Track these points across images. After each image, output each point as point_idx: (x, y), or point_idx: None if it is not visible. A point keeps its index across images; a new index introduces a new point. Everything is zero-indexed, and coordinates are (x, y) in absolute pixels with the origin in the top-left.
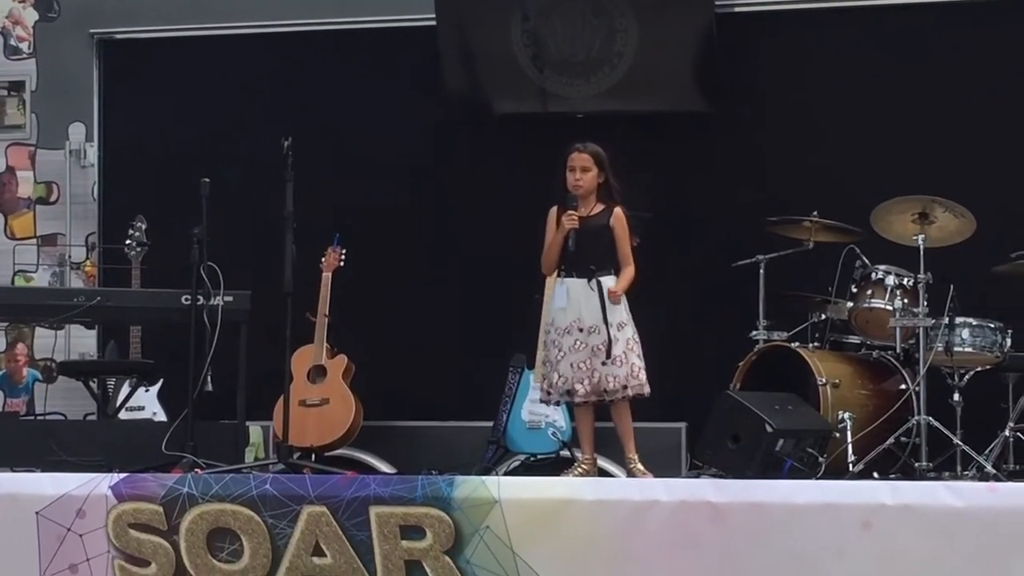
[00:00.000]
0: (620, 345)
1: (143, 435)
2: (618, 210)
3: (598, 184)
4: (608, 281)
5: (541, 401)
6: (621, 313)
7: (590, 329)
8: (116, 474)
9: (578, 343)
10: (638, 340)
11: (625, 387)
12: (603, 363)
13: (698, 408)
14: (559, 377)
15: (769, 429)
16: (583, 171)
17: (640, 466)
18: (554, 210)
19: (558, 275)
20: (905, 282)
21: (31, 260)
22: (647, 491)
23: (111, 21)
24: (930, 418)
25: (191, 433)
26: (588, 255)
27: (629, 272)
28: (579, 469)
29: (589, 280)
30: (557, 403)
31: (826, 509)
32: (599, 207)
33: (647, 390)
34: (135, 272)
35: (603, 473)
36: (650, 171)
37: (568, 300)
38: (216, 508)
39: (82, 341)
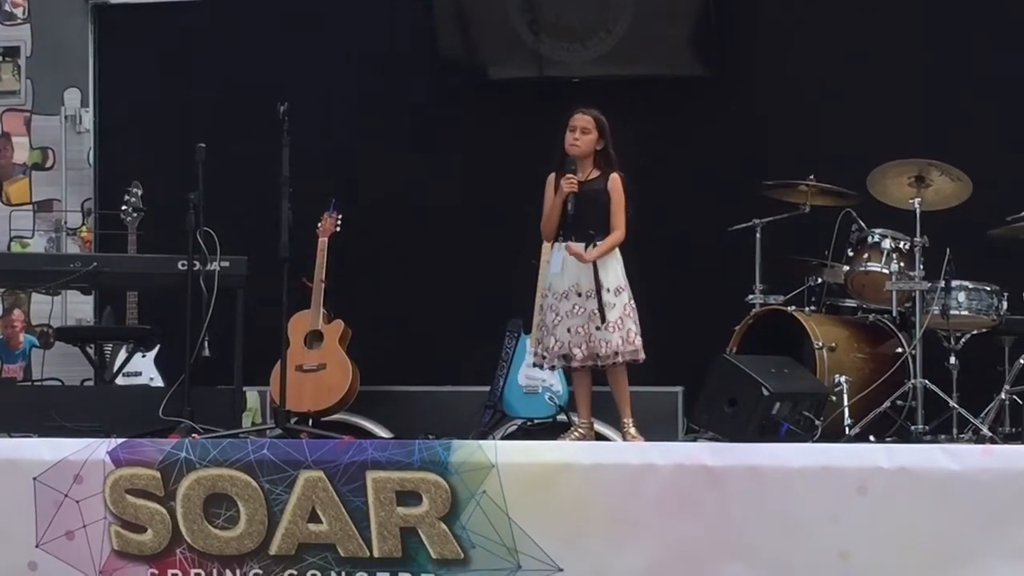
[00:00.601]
0: (616, 311)
1: (140, 400)
2: (615, 175)
3: (596, 151)
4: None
5: (535, 365)
6: (618, 278)
7: (587, 294)
8: (114, 439)
9: (576, 307)
10: (635, 306)
11: (617, 353)
12: (597, 328)
13: (694, 372)
14: (555, 342)
15: (765, 393)
16: (583, 132)
17: (633, 431)
18: (552, 176)
19: (556, 240)
20: (901, 246)
21: (27, 226)
22: (644, 455)
23: None
24: (926, 381)
25: (188, 398)
26: (586, 220)
27: (614, 236)
28: (576, 433)
29: (587, 245)
30: (552, 367)
31: (822, 472)
32: (596, 172)
33: (641, 356)
34: (131, 238)
35: (600, 438)
36: (645, 137)
37: (565, 265)
38: (213, 473)
39: (79, 307)
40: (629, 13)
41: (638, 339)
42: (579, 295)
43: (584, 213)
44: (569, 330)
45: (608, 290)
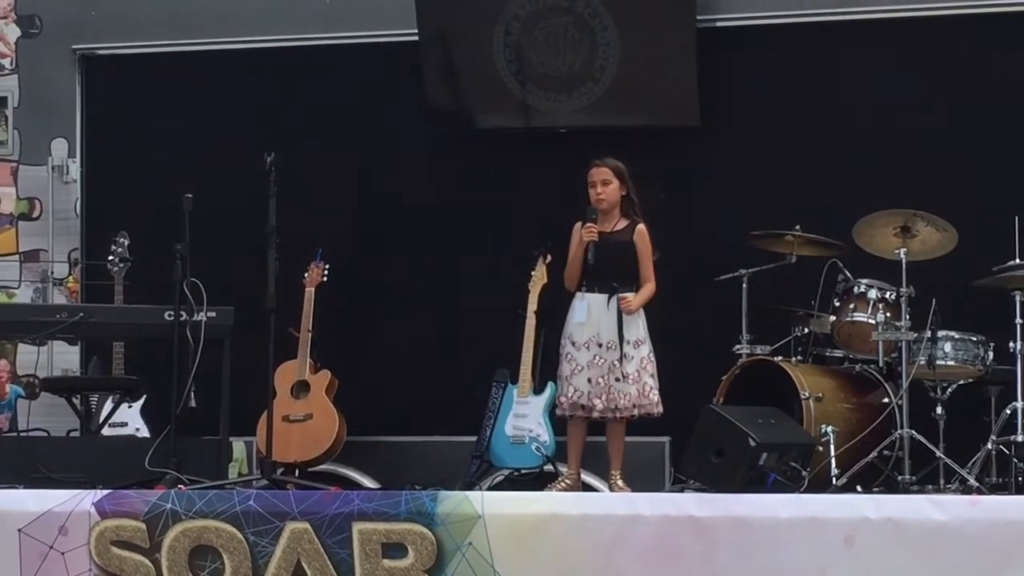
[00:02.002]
0: (634, 363)
1: (126, 451)
2: (641, 226)
3: (621, 197)
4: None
5: (557, 414)
6: (639, 330)
7: (608, 345)
8: (99, 490)
9: (597, 358)
10: (653, 359)
11: (635, 406)
12: (616, 380)
13: (681, 422)
14: (574, 391)
15: (752, 443)
16: (604, 184)
17: (620, 482)
18: (578, 226)
19: (579, 290)
20: (887, 296)
21: (13, 276)
22: (631, 505)
23: (94, 37)
24: (913, 431)
25: (174, 449)
26: (610, 271)
27: (649, 288)
28: (562, 484)
29: (610, 296)
30: (571, 417)
31: (809, 523)
32: (622, 223)
33: (656, 411)
34: (118, 288)
35: (587, 488)
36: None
37: (588, 315)
38: (199, 525)
39: (65, 357)
40: (615, 63)
41: (654, 393)
42: (600, 345)
43: (607, 264)
44: (590, 380)
45: (628, 342)
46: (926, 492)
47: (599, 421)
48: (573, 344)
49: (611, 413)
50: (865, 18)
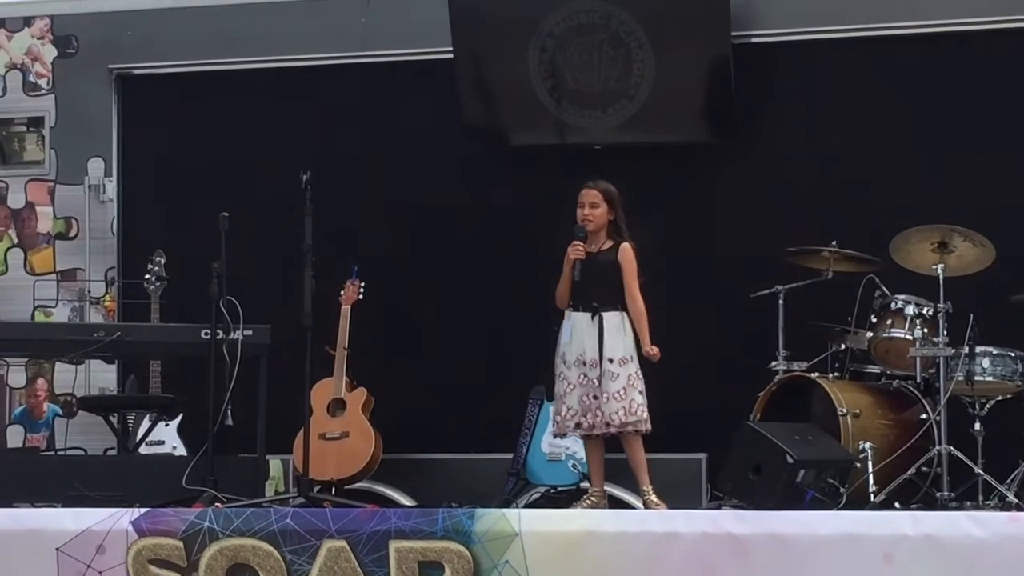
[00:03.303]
0: (621, 380)
1: (163, 469)
2: (625, 245)
3: (608, 221)
4: (612, 317)
5: (554, 435)
6: (626, 348)
7: (591, 363)
8: (136, 509)
9: (582, 377)
10: (641, 376)
11: (624, 423)
12: (600, 397)
13: (718, 439)
14: (567, 410)
15: (790, 460)
16: (591, 207)
17: (654, 497)
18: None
19: (567, 308)
20: (925, 311)
21: (51, 295)
22: (668, 523)
23: (129, 56)
24: (951, 448)
25: (211, 467)
26: (593, 291)
27: (642, 319)
28: (588, 501)
29: (592, 316)
30: (564, 435)
31: (848, 540)
32: (608, 243)
33: (645, 427)
34: (154, 306)
35: (621, 504)
36: (668, 203)
37: (572, 335)
38: (236, 543)
39: (102, 376)
40: (650, 80)
41: (641, 410)
42: (584, 363)
43: (592, 284)
44: (580, 399)
45: (612, 360)
46: (965, 509)
47: (613, 436)
48: (564, 363)
49: (603, 428)
50: (899, 33)
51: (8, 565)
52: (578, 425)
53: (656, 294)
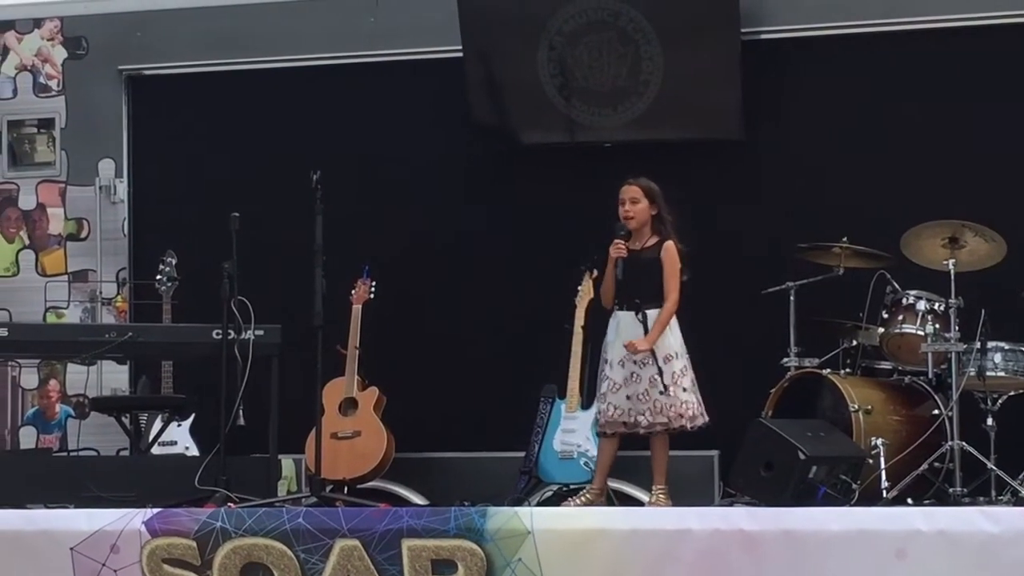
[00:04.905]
0: (666, 378)
1: (176, 470)
2: (668, 243)
3: (651, 216)
4: (656, 315)
5: (599, 435)
6: (671, 345)
7: (642, 361)
8: (149, 509)
9: (634, 375)
10: (689, 373)
11: (681, 416)
12: (660, 392)
13: (730, 436)
14: (615, 409)
15: (802, 456)
16: (632, 203)
17: (663, 496)
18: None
19: (612, 306)
20: (936, 307)
21: (62, 296)
22: (680, 520)
23: (139, 57)
24: (964, 443)
25: (224, 467)
26: (635, 288)
27: (666, 311)
28: (583, 498)
29: (636, 313)
30: (613, 435)
31: (860, 536)
32: (652, 240)
33: (691, 425)
34: (166, 307)
35: (632, 501)
36: (677, 200)
37: (617, 333)
38: (249, 542)
39: (114, 376)
40: (659, 77)
41: (688, 407)
42: (634, 362)
43: (634, 281)
44: (629, 397)
45: (658, 357)
46: (978, 504)
47: (643, 436)
48: (608, 362)
49: (659, 427)
50: (909, 28)
51: (23, 565)
52: (626, 424)
53: (683, 296)
